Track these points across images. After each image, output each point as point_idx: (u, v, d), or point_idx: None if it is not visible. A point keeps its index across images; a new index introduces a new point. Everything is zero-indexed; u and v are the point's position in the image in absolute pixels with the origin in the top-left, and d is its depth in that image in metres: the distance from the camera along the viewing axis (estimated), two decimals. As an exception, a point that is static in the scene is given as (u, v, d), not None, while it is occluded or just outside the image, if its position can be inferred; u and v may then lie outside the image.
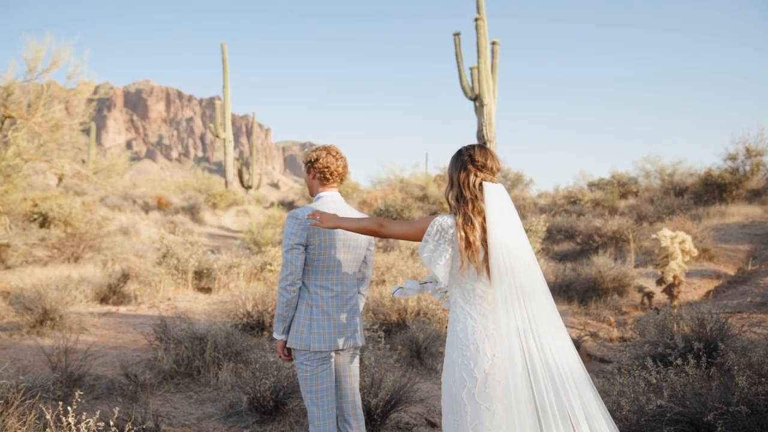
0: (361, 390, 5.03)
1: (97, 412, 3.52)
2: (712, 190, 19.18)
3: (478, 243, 2.69)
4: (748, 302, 8.42)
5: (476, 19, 19.94)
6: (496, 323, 2.67)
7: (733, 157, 21.48)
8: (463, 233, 2.68)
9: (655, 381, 4.56)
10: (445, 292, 3.01)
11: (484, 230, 2.71)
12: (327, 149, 3.67)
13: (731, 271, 11.09)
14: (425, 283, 3.10)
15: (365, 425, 4.96)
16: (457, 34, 20.53)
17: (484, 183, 2.75)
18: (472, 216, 2.71)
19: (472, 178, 2.76)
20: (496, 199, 2.72)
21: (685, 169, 24.60)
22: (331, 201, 3.61)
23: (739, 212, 15.85)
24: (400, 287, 3.18)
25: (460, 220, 2.71)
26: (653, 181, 25.05)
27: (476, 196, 2.74)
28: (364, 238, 3.62)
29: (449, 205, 2.89)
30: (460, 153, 2.85)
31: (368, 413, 4.98)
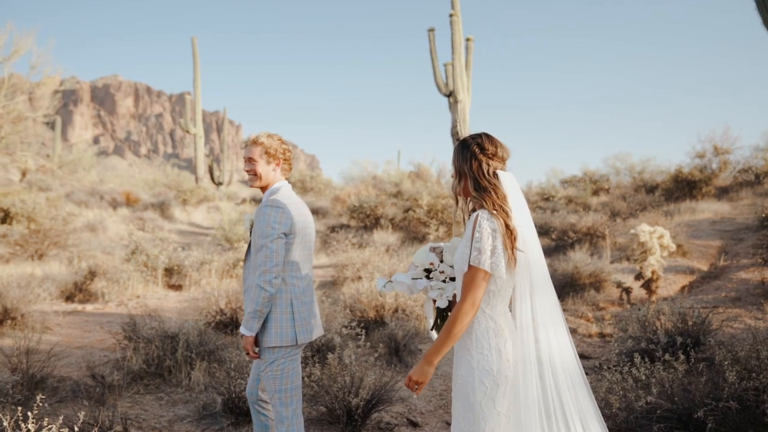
0: (341, 389, 4.87)
1: (60, 417, 3.28)
2: (683, 187, 19.47)
3: (517, 230, 2.53)
4: (723, 297, 8.47)
5: (451, 15, 19.83)
6: (516, 320, 2.57)
7: (701, 155, 21.87)
8: (502, 221, 2.51)
9: (644, 378, 4.48)
10: (440, 289, 2.81)
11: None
12: (278, 136, 3.59)
13: (704, 267, 11.18)
14: (417, 279, 2.87)
15: (346, 426, 4.81)
16: (431, 30, 20.38)
17: (498, 171, 2.62)
18: (501, 203, 2.55)
19: (485, 166, 2.62)
20: (512, 188, 2.61)
21: (653, 167, 25.08)
22: (289, 191, 3.51)
23: (708, 209, 16.06)
24: (389, 281, 2.94)
25: (494, 210, 2.53)
26: (623, 179, 25.44)
27: (495, 185, 2.59)
28: (313, 229, 3.55)
29: (456, 200, 2.77)
30: (466, 144, 2.69)
31: (348, 413, 4.81)
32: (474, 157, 2.64)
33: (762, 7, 6.10)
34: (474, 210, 2.65)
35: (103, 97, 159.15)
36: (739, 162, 21.51)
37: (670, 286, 9.93)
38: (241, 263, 11.03)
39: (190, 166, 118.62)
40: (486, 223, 2.50)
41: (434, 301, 2.85)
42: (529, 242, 2.59)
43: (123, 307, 9.21)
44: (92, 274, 10.76)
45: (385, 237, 15.17)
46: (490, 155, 2.64)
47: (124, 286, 10.19)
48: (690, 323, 5.81)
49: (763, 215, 11.86)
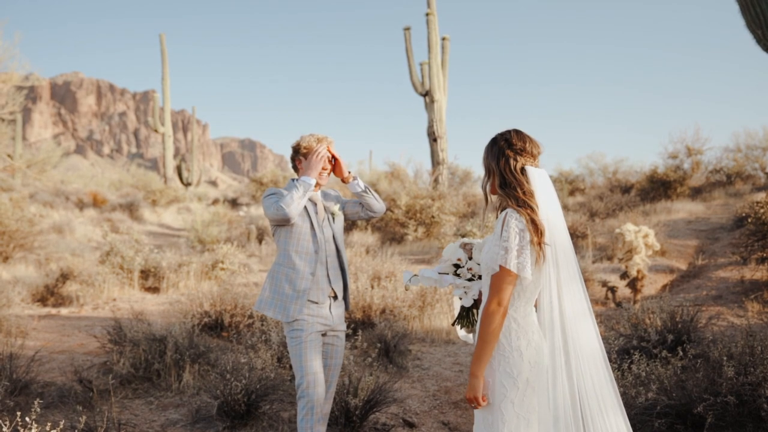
0: (340, 390, 4.81)
1: (61, 423, 3.14)
2: (658, 187, 19.83)
3: (543, 225, 2.49)
4: (705, 295, 8.67)
5: (427, 14, 19.92)
6: (544, 316, 2.52)
7: (674, 156, 22.39)
8: (528, 217, 2.47)
9: (644, 374, 4.53)
10: (464, 288, 2.76)
11: None
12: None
13: (683, 266, 11.42)
14: (444, 273, 2.82)
15: (344, 427, 4.74)
16: (407, 29, 20.45)
17: (526, 167, 2.59)
18: (526, 199, 2.52)
19: (512, 162, 2.58)
20: (541, 183, 2.57)
21: (627, 167, 25.57)
22: None
23: (683, 209, 16.41)
24: (415, 275, 2.88)
25: (519, 206, 2.51)
26: (597, 179, 25.86)
27: (520, 181, 2.56)
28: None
29: (486, 199, 2.72)
30: (495, 140, 2.67)
31: (347, 414, 4.75)
32: (501, 153, 2.62)
33: (746, 10, 6.22)
34: (503, 208, 2.61)
35: (63, 95, 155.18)
36: (710, 162, 22.12)
37: (651, 285, 10.12)
38: (221, 265, 10.84)
39: (155, 166, 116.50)
40: (513, 222, 2.47)
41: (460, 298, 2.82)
42: (558, 237, 2.56)
43: (99, 311, 8.96)
44: (64, 277, 10.44)
45: (363, 238, 15.10)
46: (518, 150, 2.60)
47: (99, 289, 9.91)
48: (678, 321, 5.90)
49: (741, 215, 12.15)
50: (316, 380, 3.58)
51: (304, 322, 3.62)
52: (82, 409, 4.51)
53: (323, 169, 3.74)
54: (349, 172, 3.89)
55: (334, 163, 3.86)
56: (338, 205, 3.92)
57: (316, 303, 3.67)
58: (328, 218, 3.84)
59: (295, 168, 3.86)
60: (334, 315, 3.76)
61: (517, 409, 2.46)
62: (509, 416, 2.46)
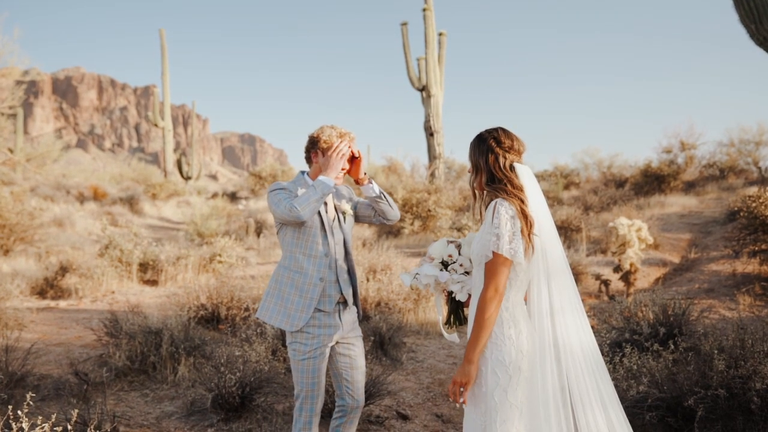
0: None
1: (53, 416, 3.18)
2: (651, 182, 19.99)
3: (532, 216, 2.57)
4: (697, 288, 8.71)
5: (424, 10, 19.91)
6: (533, 307, 2.58)
7: (668, 150, 22.50)
8: (518, 206, 2.54)
9: (636, 367, 4.57)
10: (461, 283, 2.79)
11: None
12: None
13: (675, 259, 11.47)
14: (442, 271, 2.83)
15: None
16: (404, 24, 20.44)
17: (514, 164, 2.67)
18: (516, 192, 2.60)
19: (501, 160, 2.66)
20: (529, 179, 2.66)
21: (621, 162, 25.65)
22: None
23: (677, 203, 16.50)
24: (417, 274, 2.88)
25: (509, 197, 2.57)
26: (591, 173, 25.96)
27: (510, 177, 2.63)
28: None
29: (474, 195, 2.79)
30: (482, 138, 2.73)
31: (340, 407, 4.78)
32: (491, 151, 2.68)
33: (740, 4, 6.24)
34: (492, 200, 2.67)
35: (65, 90, 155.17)
36: (704, 157, 22.26)
37: (645, 278, 10.17)
38: (218, 258, 10.88)
39: (156, 160, 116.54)
40: (504, 209, 2.54)
41: (449, 294, 2.85)
42: (545, 230, 2.63)
43: (98, 303, 9.01)
44: (63, 270, 10.49)
45: (360, 230, 15.15)
46: (507, 148, 2.68)
47: (98, 282, 9.95)
48: (670, 314, 5.93)
49: (733, 209, 12.20)
50: (316, 394, 3.42)
51: (309, 335, 3.36)
52: (76, 402, 4.56)
53: (341, 168, 3.43)
54: (365, 174, 3.59)
55: (352, 162, 3.56)
56: (350, 205, 3.66)
57: (324, 312, 3.41)
58: (339, 218, 3.57)
59: (308, 159, 3.60)
60: (344, 322, 3.49)
61: (510, 398, 2.50)
62: (502, 404, 2.50)
